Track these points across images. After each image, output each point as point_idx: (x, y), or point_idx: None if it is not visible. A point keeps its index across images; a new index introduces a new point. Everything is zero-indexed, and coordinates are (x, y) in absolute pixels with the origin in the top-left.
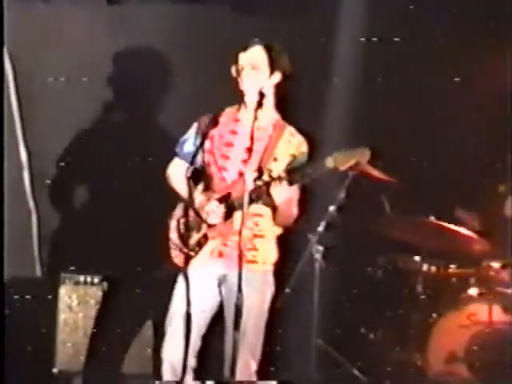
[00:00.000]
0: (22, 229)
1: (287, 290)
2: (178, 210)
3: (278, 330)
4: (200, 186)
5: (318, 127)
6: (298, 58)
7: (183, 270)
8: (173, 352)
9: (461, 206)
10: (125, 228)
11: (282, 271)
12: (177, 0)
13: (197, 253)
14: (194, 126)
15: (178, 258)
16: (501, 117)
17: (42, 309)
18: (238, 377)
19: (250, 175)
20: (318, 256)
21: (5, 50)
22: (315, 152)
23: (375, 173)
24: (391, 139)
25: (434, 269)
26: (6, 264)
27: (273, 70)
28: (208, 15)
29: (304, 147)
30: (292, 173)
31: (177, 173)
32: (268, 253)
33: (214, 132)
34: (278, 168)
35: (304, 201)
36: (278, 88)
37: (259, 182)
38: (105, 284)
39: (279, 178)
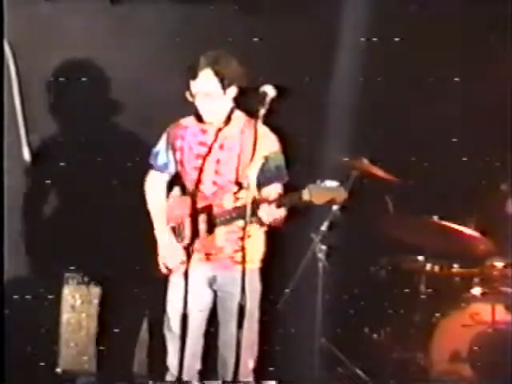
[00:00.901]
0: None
1: (290, 290)
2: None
3: (281, 329)
4: (175, 192)
5: (318, 128)
6: (298, 58)
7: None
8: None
9: (463, 206)
10: (124, 228)
11: (277, 268)
12: (177, 1)
13: (188, 260)
14: (164, 136)
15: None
16: (501, 116)
17: (43, 309)
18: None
19: (228, 188)
20: (321, 255)
21: (7, 48)
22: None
23: (378, 172)
24: (394, 139)
25: (437, 268)
26: (8, 264)
27: (225, 87)
28: (211, 15)
29: (275, 146)
30: (281, 198)
31: (154, 185)
32: (255, 251)
33: (182, 143)
34: (252, 174)
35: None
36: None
37: (240, 203)
38: (105, 284)
39: (266, 201)
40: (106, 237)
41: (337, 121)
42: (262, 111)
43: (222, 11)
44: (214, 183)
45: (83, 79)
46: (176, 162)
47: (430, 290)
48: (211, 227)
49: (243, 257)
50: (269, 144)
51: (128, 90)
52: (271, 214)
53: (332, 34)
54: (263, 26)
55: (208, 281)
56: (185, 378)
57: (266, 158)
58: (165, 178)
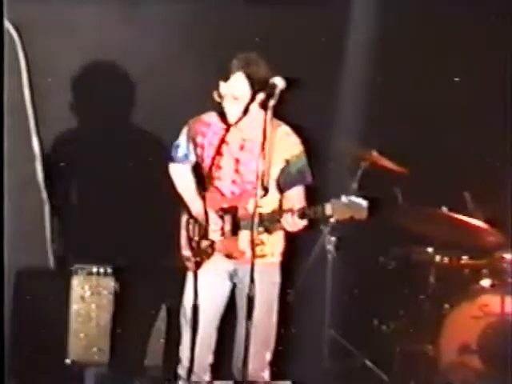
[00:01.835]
0: (35, 220)
1: (300, 282)
2: (185, 214)
3: (292, 320)
4: (196, 189)
5: (329, 120)
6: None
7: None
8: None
9: (472, 197)
10: (136, 219)
11: (291, 261)
12: None
13: (207, 258)
14: (185, 130)
15: (188, 263)
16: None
17: (54, 299)
18: (251, 367)
19: (253, 192)
20: (330, 247)
21: (16, 36)
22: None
23: (388, 164)
24: (403, 131)
25: (446, 260)
26: (19, 255)
27: (255, 92)
28: (222, 7)
29: (297, 149)
30: (305, 209)
31: (178, 177)
32: (275, 245)
33: (203, 140)
34: (272, 174)
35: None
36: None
37: (264, 209)
38: (116, 275)
39: (290, 211)
40: (119, 227)
41: (347, 114)
42: (272, 102)
43: (231, 3)
44: (233, 182)
45: (93, 72)
46: (196, 154)
47: (439, 282)
48: (235, 229)
49: (252, 249)
50: (290, 147)
51: (138, 79)
52: (294, 224)
53: (343, 25)
54: (274, 19)
55: (229, 274)
56: (196, 370)
57: (288, 162)
58: (187, 167)
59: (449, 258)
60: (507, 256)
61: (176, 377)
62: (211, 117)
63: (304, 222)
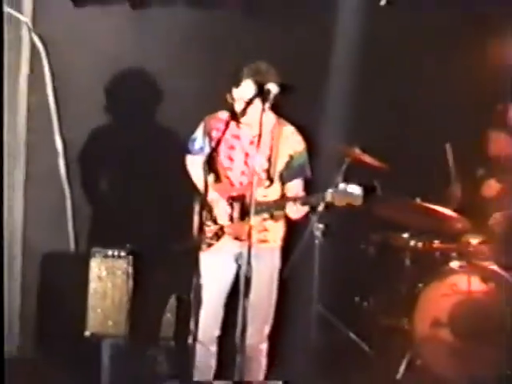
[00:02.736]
0: (58, 209)
1: (292, 263)
2: (198, 201)
3: (284, 296)
4: (210, 178)
5: (317, 121)
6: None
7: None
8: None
9: (443, 189)
10: (149, 207)
11: (288, 246)
12: (192, 5)
13: (216, 240)
14: (201, 126)
15: (200, 245)
16: (477, 104)
17: (75, 279)
18: (252, 341)
19: (260, 182)
20: (317, 233)
21: (40, 46)
22: (313, 147)
23: (369, 160)
24: (382, 131)
25: (420, 244)
26: (44, 240)
27: (264, 100)
28: (215, 21)
29: (300, 146)
30: (306, 198)
31: (193, 167)
32: (277, 232)
33: (218, 134)
34: (278, 167)
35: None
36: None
37: (269, 197)
38: (130, 257)
39: (293, 199)
40: (131, 215)
41: (334, 115)
42: (267, 105)
43: (229, 15)
44: (243, 173)
45: (109, 77)
46: (211, 147)
47: (413, 264)
48: (243, 215)
49: (249, 234)
50: (294, 144)
51: (148, 86)
52: (297, 210)
53: (329, 36)
54: (268, 29)
55: (235, 256)
56: (205, 341)
57: (291, 157)
58: (202, 158)
59: (422, 242)
60: (473, 241)
61: (187, 347)
62: (225, 114)
63: (306, 209)
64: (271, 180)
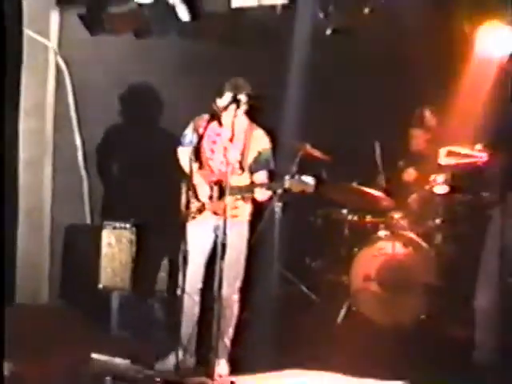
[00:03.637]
0: (77, 191)
1: (258, 233)
2: (185, 183)
3: (252, 259)
4: (195, 166)
5: (277, 122)
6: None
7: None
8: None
9: (374, 176)
10: (148, 189)
11: (255, 220)
12: (183, 36)
13: (199, 214)
14: (191, 125)
15: (186, 218)
16: (400, 109)
17: (90, 246)
18: (226, 292)
19: (234, 170)
20: (277, 210)
21: (63, 64)
22: (276, 145)
23: (317, 153)
24: (328, 130)
25: (355, 218)
26: (66, 216)
27: (239, 105)
28: (200, 48)
29: (267, 145)
30: (269, 184)
31: (183, 157)
32: (246, 209)
33: (203, 132)
34: (249, 160)
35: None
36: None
37: (242, 183)
38: (134, 229)
39: (260, 185)
40: (137, 194)
41: (290, 120)
42: (240, 111)
43: (214, 44)
44: (221, 163)
45: (118, 89)
46: (198, 141)
47: (350, 233)
48: (220, 195)
49: (224, 210)
50: (262, 142)
51: (149, 97)
52: (263, 194)
53: (287, 59)
54: (243, 54)
55: (214, 227)
56: (189, 292)
57: (259, 153)
58: (190, 149)
59: (357, 216)
60: (396, 216)
61: (176, 297)
62: (210, 116)
63: (269, 193)
64: (243, 169)
